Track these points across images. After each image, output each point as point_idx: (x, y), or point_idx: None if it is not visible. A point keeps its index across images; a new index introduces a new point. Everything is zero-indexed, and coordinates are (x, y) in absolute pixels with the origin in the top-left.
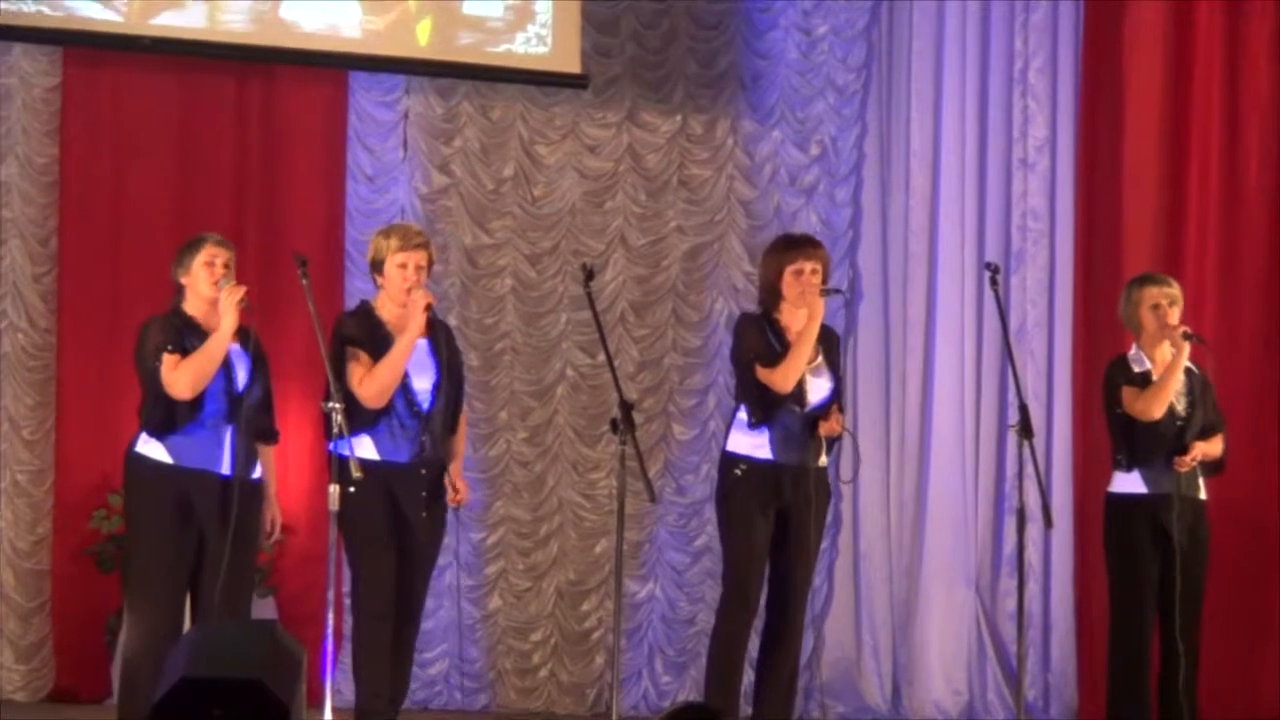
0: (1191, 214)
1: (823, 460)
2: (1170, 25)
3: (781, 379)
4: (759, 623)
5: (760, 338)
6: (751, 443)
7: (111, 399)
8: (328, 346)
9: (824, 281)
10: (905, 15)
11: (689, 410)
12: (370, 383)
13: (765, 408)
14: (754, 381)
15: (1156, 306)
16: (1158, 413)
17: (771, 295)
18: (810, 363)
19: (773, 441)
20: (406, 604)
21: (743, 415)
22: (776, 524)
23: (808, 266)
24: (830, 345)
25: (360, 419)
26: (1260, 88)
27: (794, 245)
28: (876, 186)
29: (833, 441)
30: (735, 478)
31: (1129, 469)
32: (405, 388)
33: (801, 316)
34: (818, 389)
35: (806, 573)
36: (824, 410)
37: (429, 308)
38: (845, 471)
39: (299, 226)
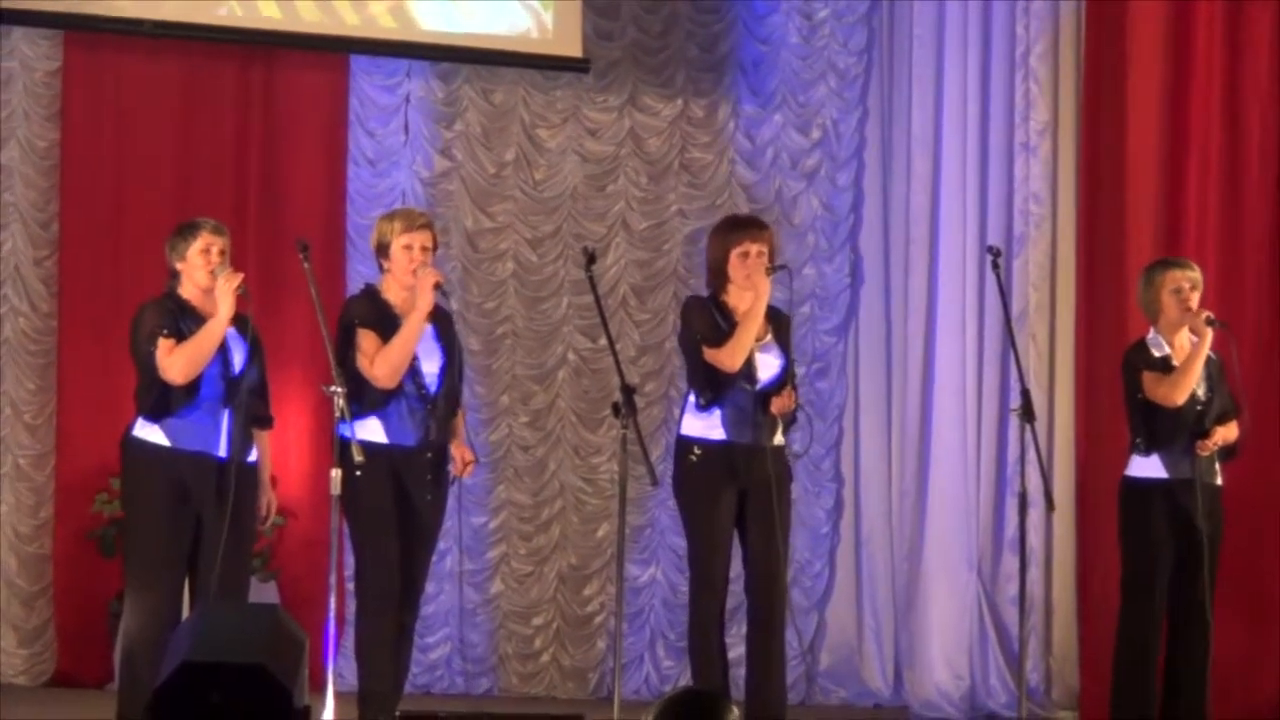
0: (1192, 198)
1: (778, 439)
2: (1172, 9)
3: (729, 358)
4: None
5: (707, 319)
6: (704, 424)
7: (112, 383)
8: (333, 331)
9: (771, 261)
10: None
11: None
12: (383, 361)
13: (714, 388)
14: (702, 363)
15: (1178, 290)
16: (1180, 399)
17: (718, 277)
18: (759, 339)
19: (725, 421)
20: (408, 588)
21: (693, 398)
22: (739, 505)
23: (754, 248)
24: (780, 325)
25: (370, 401)
26: (1261, 71)
27: (740, 227)
28: (878, 171)
29: (789, 421)
30: (691, 462)
31: (1147, 453)
32: (414, 370)
33: (748, 298)
34: (767, 365)
35: (778, 552)
36: (776, 387)
37: (438, 285)
38: (803, 443)
39: (300, 211)
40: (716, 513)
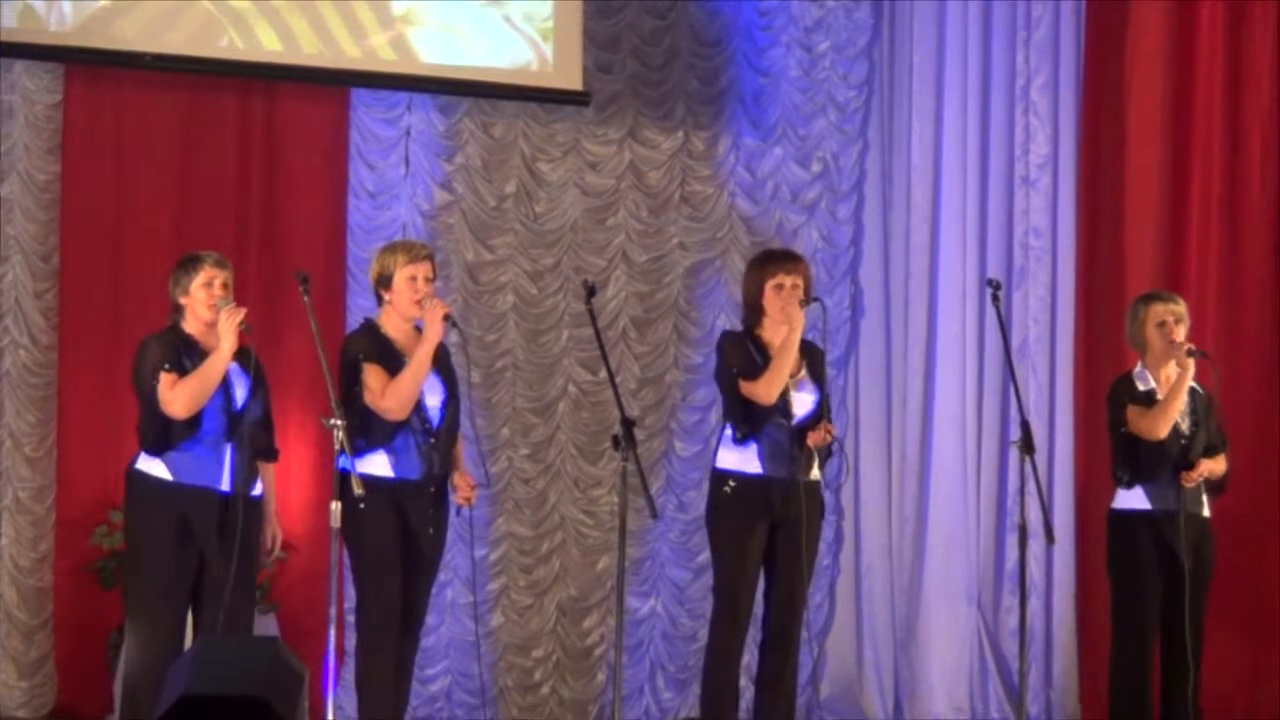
0: (1193, 231)
1: (814, 474)
2: (1172, 43)
3: (764, 390)
4: (759, 637)
5: (742, 353)
6: (740, 457)
7: (113, 416)
8: (334, 365)
9: (805, 294)
10: (906, 32)
11: (691, 427)
12: (393, 394)
13: (750, 422)
14: (738, 396)
15: (1163, 324)
16: (1162, 432)
17: (754, 312)
18: (794, 375)
19: (761, 455)
20: (408, 620)
21: (729, 432)
22: (769, 538)
23: (788, 281)
24: (814, 359)
25: (378, 435)
26: (1261, 105)
27: (774, 260)
28: (878, 203)
29: (824, 455)
30: (725, 494)
31: (1130, 486)
32: (418, 404)
33: (783, 331)
34: (802, 402)
35: (802, 587)
36: (811, 422)
37: (447, 316)
38: (841, 476)
39: (301, 243)
40: (748, 546)
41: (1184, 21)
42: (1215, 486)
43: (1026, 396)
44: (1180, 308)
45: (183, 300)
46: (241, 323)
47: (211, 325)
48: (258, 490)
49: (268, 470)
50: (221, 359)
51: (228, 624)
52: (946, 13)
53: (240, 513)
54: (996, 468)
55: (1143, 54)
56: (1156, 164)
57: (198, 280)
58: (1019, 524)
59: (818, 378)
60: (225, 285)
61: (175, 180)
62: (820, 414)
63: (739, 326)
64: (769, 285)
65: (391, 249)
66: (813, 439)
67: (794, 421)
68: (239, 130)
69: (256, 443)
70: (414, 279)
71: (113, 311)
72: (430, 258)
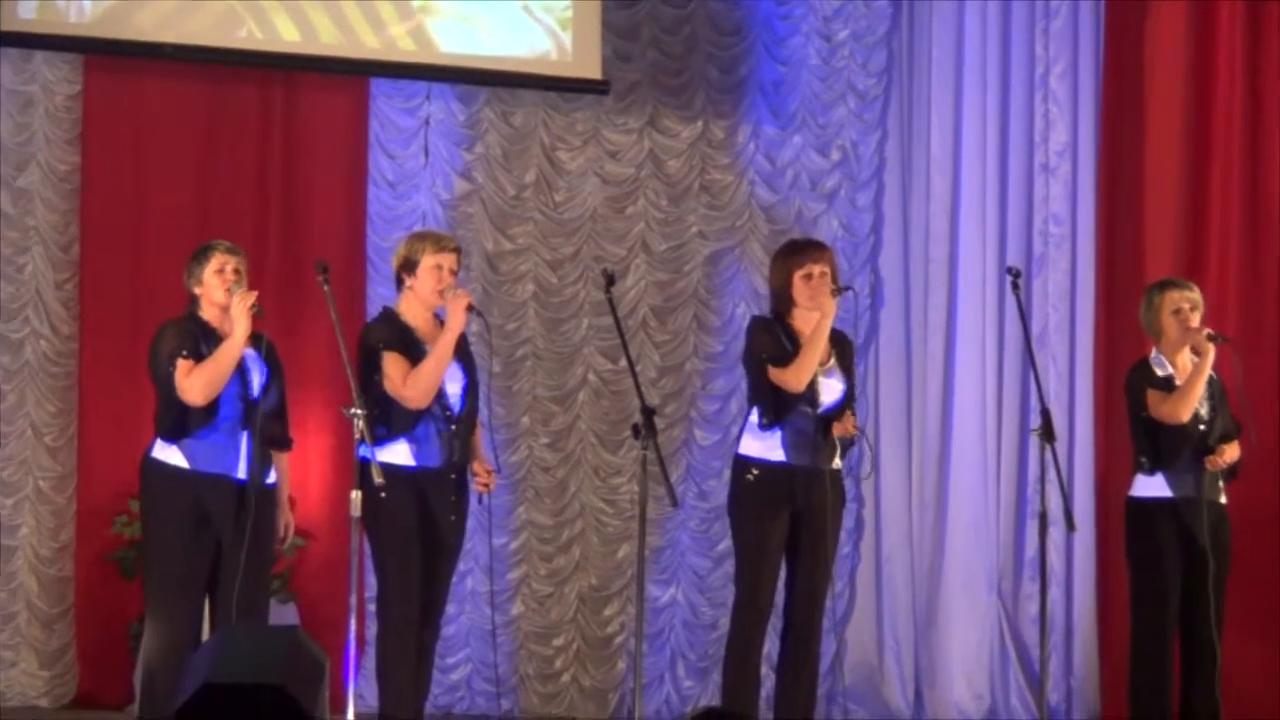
0: (1213, 217)
1: (836, 463)
2: (1191, 29)
3: (794, 378)
4: (780, 626)
5: (773, 339)
6: (763, 445)
7: (133, 405)
8: (354, 354)
9: (834, 282)
10: (926, 20)
11: (711, 415)
12: (414, 383)
13: (778, 409)
14: (766, 382)
15: (1178, 311)
16: (1185, 415)
17: (783, 302)
18: (823, 364)
19: (785, 444)
20: (429, 608)
21: (754, 418)
22: (791, 527)
23: (816, 269)
24: (843, 348)
25: (400, 423)
26: None
27: (800, 249)
28: (897, 192)
29: (847, 445)
30: (748, 482)
31: (1151, 472)
32: (439, 392)
33: (814, 319)
34: (830, 390)
35: (824, 576)
36: (837, 412)
37: (470, 306)
38: (864, 468)
39: (321, 233)
40: (770, 534)
41: (1204, 6)
42: (1231, 471)
43: (1046, 384)
44: (1195, 294)
45: (197, 290)
46: (253, 305)
47: (226, 310)
48: (272, 478)
49: (281, 459)
50: (236, 343)
51: (242, 612)
52: (965, 1)
53: (255, 500)
54: (1017, 455)
55: (1162, 40)
56: (1176, 151)
57: (209, 268)
58: (1039, 512)
59: (846, 367)
60: (237, 271)
61: (195, 170)
62: (846, 404)
63: (764, 313)
64: (797, 275)
65: (420, 237)
66: (837, 430)
67: (819, 410)
68: (259, 120)
69: (270, 431)
70: (439, 268)
71: (133, 301)
72: (458, 250)
